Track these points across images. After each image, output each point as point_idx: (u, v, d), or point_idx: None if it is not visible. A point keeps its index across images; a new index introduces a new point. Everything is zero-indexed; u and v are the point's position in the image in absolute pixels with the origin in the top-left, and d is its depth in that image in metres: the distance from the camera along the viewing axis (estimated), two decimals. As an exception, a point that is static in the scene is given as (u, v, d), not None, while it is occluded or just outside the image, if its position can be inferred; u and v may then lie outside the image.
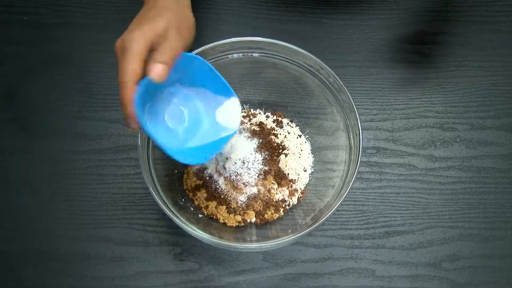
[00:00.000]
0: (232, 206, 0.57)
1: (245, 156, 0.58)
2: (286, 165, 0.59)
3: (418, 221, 0.61)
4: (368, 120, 0.65)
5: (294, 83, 0.60)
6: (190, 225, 0.51)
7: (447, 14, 0.71)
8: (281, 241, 0.50)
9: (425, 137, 0.65)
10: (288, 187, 0.58)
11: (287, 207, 0.58)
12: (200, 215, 0.57)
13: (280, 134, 0.62)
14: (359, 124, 0.52)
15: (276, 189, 0.58)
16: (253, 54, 0.58)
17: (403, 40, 0.69)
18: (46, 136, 0.63)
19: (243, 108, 0.64)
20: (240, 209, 0.57)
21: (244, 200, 0.57)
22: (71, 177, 0.61)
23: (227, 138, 0.51)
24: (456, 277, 0.58)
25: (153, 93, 0.47)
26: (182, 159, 0.48)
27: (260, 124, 0.62)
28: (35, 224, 0.59)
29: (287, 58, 0.57)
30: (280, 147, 0.60)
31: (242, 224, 0.56)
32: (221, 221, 0.56)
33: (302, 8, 0.70)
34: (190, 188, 0.58)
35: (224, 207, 0.57)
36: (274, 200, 0.57)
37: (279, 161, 0.59)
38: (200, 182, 0.58)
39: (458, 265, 0.59)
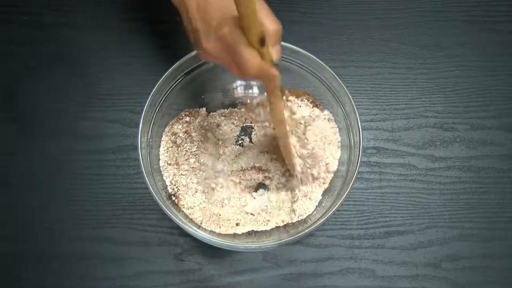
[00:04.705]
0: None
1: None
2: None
3: (418, 221, 0.61)
4: (368, 120, 0.65)
5: (293, 83, 0.60)
6: (190, 225, 0.51)
7: (447, 14, 0.71)
8: (281, 241, 0.50)
9: (425, 137, 0.65)
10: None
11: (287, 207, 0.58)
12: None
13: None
14: (359, 124, 0.52)
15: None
16: (253, 54, 0.57)
17: (403, 40, 0.69)
18: (46, 136, 0.63)
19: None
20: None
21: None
22: (71, 177, 0.61)
23: None
24: (456, 277, 0.58)
25: None
26: None
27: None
28: (35, 224, 0.59)
29: (287, 58, 0.57)
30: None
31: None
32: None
33: (302, 8, 0.70)
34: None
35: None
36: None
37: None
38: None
39: (458, 265, 0.59)
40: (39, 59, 0.66)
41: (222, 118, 0.61)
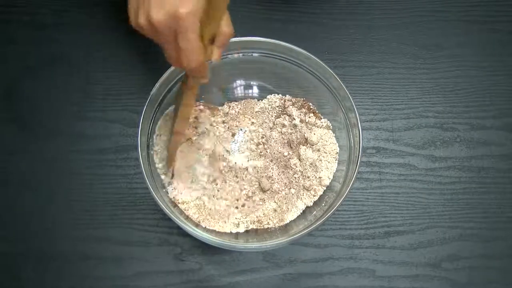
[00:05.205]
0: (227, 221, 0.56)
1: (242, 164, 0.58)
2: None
3: (418, 221, 0.61)
4: (368, 120, 0.65)
5: (293, 83, 0.60)
6: (190, 225, 0.51)
7: (447, 14, 0.71)
8: (281, 241, 0.50)
9: (425, 137, 0.65)
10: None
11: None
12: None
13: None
14: (359, 124, 0.52)
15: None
16: (253, 54, 0.58)
17: (403, 40, 0.69)
18: (46, 136, 0.63)
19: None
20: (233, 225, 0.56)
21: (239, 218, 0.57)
22: (71, 177, 0.61)
23: None
24: (456, 277, 0.58)
25: None
26: None
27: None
28: (35, 224, 0.59)
29: (287, 58, 0.57)
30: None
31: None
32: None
33: (302, 8, 0.70)
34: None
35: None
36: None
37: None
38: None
39: (458, 265, 0.59)
40: (39, 59, 0.66)
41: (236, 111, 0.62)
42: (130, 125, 0.63)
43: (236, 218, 0.56)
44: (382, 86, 0.67)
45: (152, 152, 0.55)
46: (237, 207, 0.56)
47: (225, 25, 0.43)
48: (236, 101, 0.62)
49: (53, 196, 0.60)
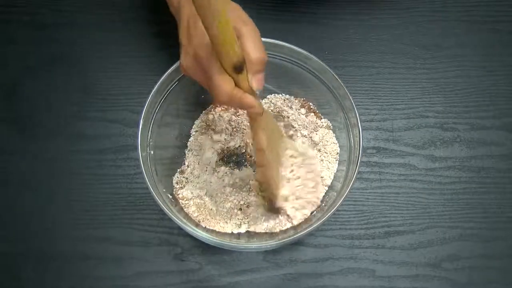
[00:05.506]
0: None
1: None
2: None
3: (418, 221, 0.61)
4: (368, 120, 0.65)
5: (293, 83, 0.60)
6: (190, 225, 0.51)
7: (447, 14, 0.71)
8: (281, 241, 0.50)
9: (425, 137, 0.65)
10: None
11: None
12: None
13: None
14: (359, 124, 0.52)
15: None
16: (253, 54, 0.58)
17: (403, 40, 0.69)
18: (46, 136, 0.63)
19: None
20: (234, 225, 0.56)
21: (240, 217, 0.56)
22: (71, 177, 0.61)
23: None
24: (456, 277, 0.58)
25: None
26: None
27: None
28: (35, 224, 0.59)
29: (287, 58, 0.57)
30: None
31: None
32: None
33: (302, 8, 0.70)
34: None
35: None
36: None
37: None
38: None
39: (458, 265, 0.59)
40: (39, 59, 0.66)
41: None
42: (130, 125, 0.63)
43: (238, 219, 0.56)
44: (382, 86, 0.67)
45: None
46: (240, 209, 0.56)
47: (252, 50, 0.41)
48: None
49: (53, 196, 0.60)
